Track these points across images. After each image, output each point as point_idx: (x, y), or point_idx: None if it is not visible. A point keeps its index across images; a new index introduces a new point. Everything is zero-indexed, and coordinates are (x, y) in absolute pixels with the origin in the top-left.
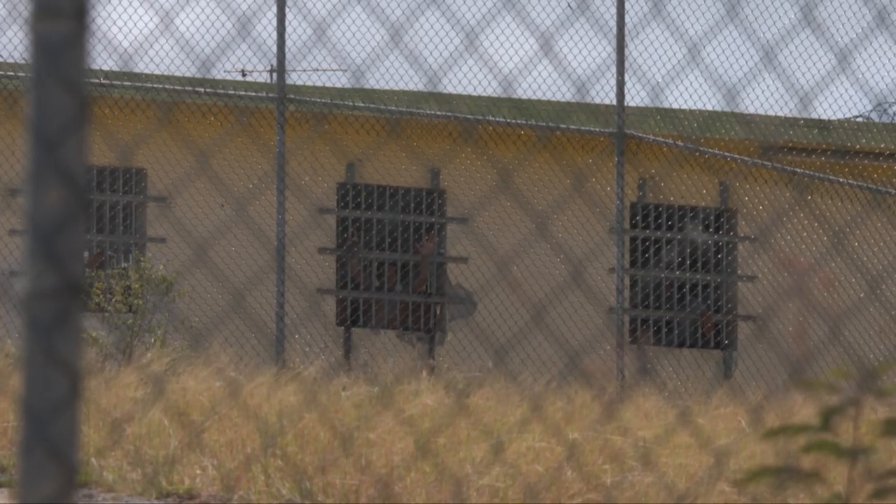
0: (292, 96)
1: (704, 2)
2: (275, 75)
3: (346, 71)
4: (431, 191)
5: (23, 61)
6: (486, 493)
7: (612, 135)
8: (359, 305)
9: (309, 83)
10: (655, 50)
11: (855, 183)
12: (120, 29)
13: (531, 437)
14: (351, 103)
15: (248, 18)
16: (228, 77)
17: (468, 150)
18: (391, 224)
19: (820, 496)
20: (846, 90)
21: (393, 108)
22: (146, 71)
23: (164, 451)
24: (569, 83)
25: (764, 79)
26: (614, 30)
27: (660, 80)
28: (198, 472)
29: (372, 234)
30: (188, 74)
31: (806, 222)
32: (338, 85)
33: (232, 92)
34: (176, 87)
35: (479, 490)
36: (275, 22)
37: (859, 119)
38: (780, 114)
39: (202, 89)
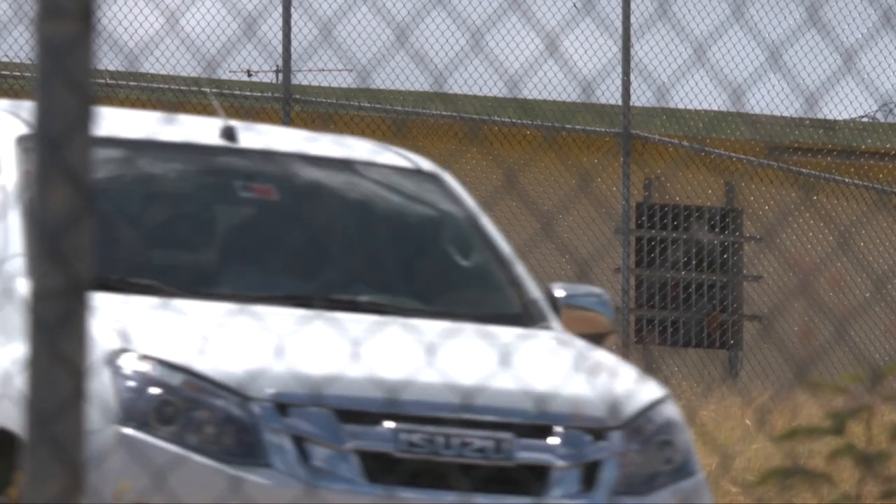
0: (298, 96)
1: (710, 2)
2: (280, 75)
3: (351, 71)
4: None
5: (29, 62)
6: None
7: (618, 135)
8: None
9: (314, 83)
10: (661, 50)
11: (861, 183)
12: (126, 29)
13: None
14: (356, 103)
15: (254, 18)
16: (234, 77)
17: (474, 150)
18: None
19: (828, 497)
20: (852, 90)
21: (399, 108)
22: (152, 71)
23: None
24: (574, 83)
25: (770, 79)
26: (620, 30)
27: (665, 81)
28: None
29: None
30: (194, 74)
31: (812, 222)
32: (343, 85)
33: (238, 92)
34: (181, 88)
35: None
36: (280, 22)
37: (865, 119)
38: (786, 114)
39: (208, 89)
